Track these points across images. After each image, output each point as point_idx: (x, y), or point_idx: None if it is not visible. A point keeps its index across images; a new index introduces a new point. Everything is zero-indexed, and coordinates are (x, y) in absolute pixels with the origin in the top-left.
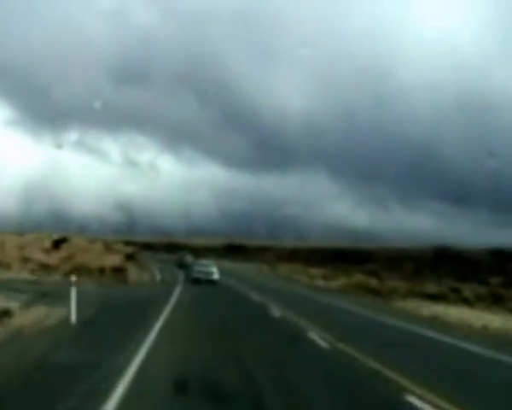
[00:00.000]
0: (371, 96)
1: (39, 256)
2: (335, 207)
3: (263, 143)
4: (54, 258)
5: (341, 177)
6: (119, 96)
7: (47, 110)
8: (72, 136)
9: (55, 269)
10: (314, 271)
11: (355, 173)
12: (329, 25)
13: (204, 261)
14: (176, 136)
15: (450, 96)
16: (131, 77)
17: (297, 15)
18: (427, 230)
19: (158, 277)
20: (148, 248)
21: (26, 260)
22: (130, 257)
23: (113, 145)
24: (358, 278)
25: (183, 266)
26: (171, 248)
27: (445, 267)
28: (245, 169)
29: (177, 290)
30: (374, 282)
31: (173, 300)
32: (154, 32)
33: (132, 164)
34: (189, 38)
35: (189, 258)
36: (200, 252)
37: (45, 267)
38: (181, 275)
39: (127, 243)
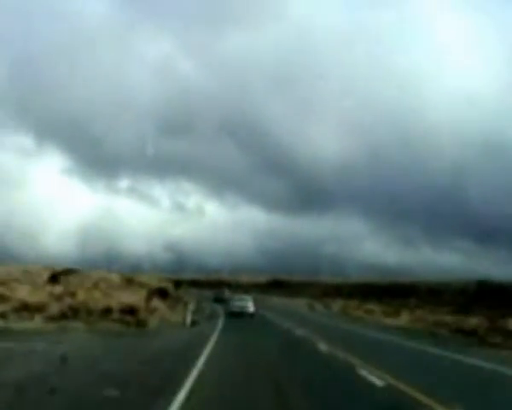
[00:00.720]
0: (401, 141)
1: (22, 293)
2: (368, 246)
3: (300, 187)
4: (42, 295)
5: (373, 217)
6: (166, 146)
7: (100, 159)
8: (124, 183)
9: (40, 310)
10: (370, 306)
11: (386, 213)
12: (361, 75)
13: (240, 296)
14: (219, 181)
15: (476, 142)
16: (177, 127)
17: (331, 67)
18: (453, 266)
19: (189, 319)
20: (195, 286)
21: (2, 298)
22: (162, 293)
23: (161, 191)
24: (419, 314)
25: (220, 300)
26: (218, 284)
27: (488, 300)
28: (283, 211)
29: (212, 341)
30: (448, 318)
31: (201, 366)
32: (197, 83)
33: (180, 208)
34: (230, 88)
35: (226, 293)
36: (245, 288)
37: (24, 308)
38: (220, 313)
39: (174, 281)
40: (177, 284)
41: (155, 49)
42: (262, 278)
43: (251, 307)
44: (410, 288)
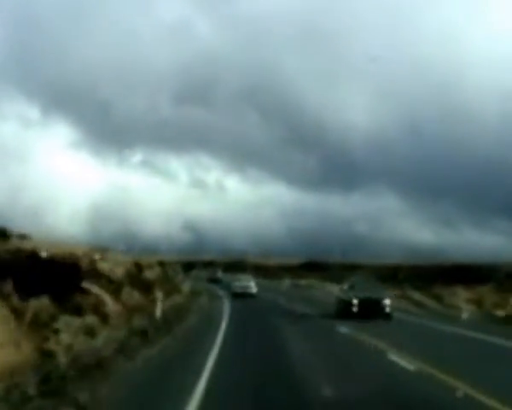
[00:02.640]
0: (439, 110)
1: None
2: (402, 226)
3: (328, 161)
4: None
5: (407, 194)
6: (183, 115)
7: (111, 131)
8: (138, 157)
9: None
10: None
11: (421, 190)
12: (394, 38)
13: (243, 277)
14: (241, 155)
15: None
16: (194, 95)
17: (361, 29)
18: (494, 247)
19: (159, 311)
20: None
21: None
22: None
23: (178, 165)
24: None
25: (214, 280)
26: (240, 266)
27: None
28: (310, 188)
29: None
30: None
31: None
32: (217, 48)
33: (198, 184)
34: (252, 52)
35: (219, 273)
36: (274, 271)
37: None
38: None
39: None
40: (190, 266)
41: (170, 9)
42: (293, 260)
43: (253, 288)
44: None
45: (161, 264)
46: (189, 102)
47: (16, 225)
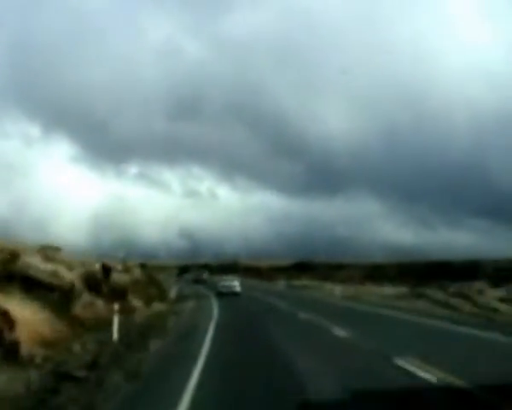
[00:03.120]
0: (413, 118)
1: None
2: (382, 227)
3: (313, 168)
4: None
5: (386, 197)
6: (175, 130)
7: (108, 146)
8: (134, 169)
9: None
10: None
11: (399, 193)
12: (369, 51)
13: (227, 277)
14: (231, 166)
15: (492, 117)
16: (184, 110)
17: (337, 44)
18: (468, 245)
19: (115, 332)
20: (212, 272)
21: None
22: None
23: (172, 177)
24: None
25: (199, 281)
26: (233, 268)
27: None
28: (296, 194)
29: None
30: None
31: None
32: (204, 67)
33: (192, 194)
34: (237, 69)
35: (204, 275)
36: (265, 272)
37: None
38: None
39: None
40: (185, 269)
41: (160, 32)
42: (283, 262)
43: (237, 288)
44: (473, 267)
45: (143, 266)
46: (181, 118)
47: (22, 236)
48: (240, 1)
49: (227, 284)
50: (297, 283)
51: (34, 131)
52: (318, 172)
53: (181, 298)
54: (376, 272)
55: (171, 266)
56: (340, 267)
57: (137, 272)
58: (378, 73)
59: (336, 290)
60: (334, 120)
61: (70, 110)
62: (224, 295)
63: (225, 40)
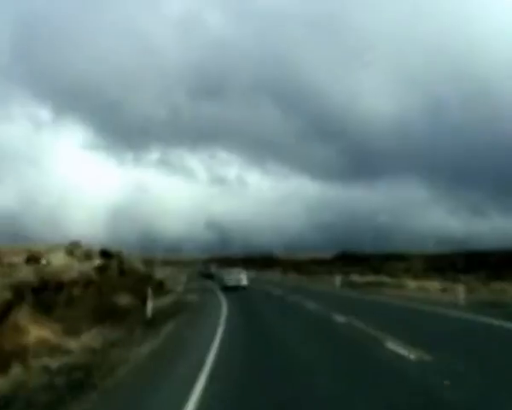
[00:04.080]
0: (464, 97)
1: None
2: (429, 215)
3: (351, 151)
4: None
5: (433, 182)
6: (198, 111)
7: (126, 130)
8: (155, 155)
9: None
10: None
11: (447, 178)
12: (414, 25)
13: (233, 270)
14: (261, 149)
15: None
16: (209, 89)
17: (377, 21)
18: None
19: None
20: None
21: None
22: None
23: (196, 163)
24: None
25: (207, 275)
26: (268, 262)
27: None
28: (334, 180)
29: None
30: None
31: None
32: (230, 40)
33: (218, 181)
34: (265, 41)
35: (212, 268)
36: (305, 266)
37: None
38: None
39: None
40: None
41: (182, 5)
42: (323, 254)
43: (244, 281)
44: None
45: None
46: (204, 97)
47: (34, 228)
48: None
49: (234, 277)
50: (357, 279)
51: (44, 114)
52: (358, 155)
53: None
54: (440, 264)
55: (198, 261)
56: (395, 258)
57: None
58: (424, 50)
59: (460, 294)
60: (375, 97)
61: (83, 91)
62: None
63: (251, 9)
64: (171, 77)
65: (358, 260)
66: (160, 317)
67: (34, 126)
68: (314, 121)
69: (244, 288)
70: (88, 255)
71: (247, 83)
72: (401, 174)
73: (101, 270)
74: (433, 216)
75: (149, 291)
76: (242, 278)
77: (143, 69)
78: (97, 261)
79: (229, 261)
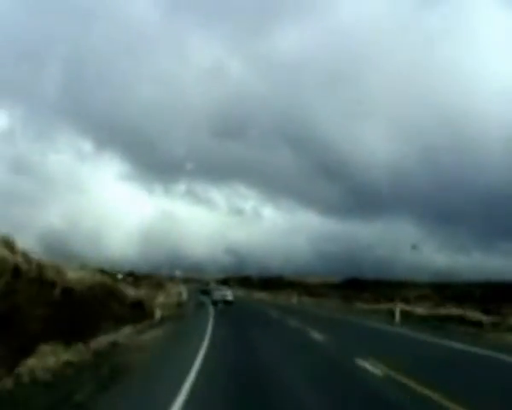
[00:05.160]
0: (454, 143)
1: None
2: (419, 250)
3: (353, 191)
4: None
5: (424, 221)
6: (221, 149)
7: (157, 164)
8: (182, 187)
9: None
10: None
11: (437, 217)
12: (411, 78)
13: (221, 287)
14: (274, 186)
15: None
16: (230, 131)
17: (380, 71)
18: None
19: None
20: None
21: None
22: None
23: (218, 195)
24: None
25: (206, 292)
26: (277, 283)
27: None
28: (337, 215)
29: None
30: None
31: None
32: (251, 90)
33: (236, 212)
34: (281, 90)
35: (211, 285)
36: (314, 289)
37: None
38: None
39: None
40: (225, 282)
41: (208, 55)
42: (329, 279)
43: (230, 296)
44: None
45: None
46: (227, 138)
47: (78, 248)
48: (285, 20)
49: (221, 293)
50: (419, 311)
51: (87, 147)
52: (359, 195)
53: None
54: (449, 292)
55: (217, 280)
56: (400, 286)
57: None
58: (420, 102)
59: None
60: (375, 142)
61: (121, 128)
62: None
63: (272, 64)
64: (197, 119)
65: (366, 285)
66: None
67: (78, 158)
68: (322, 164)
69: (230, 303)
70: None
71: (265, 127)
72: (396, 213)
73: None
74: (422, 252)
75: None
76: (228, 294)
77: (176, 114)
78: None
79: (244, 282)
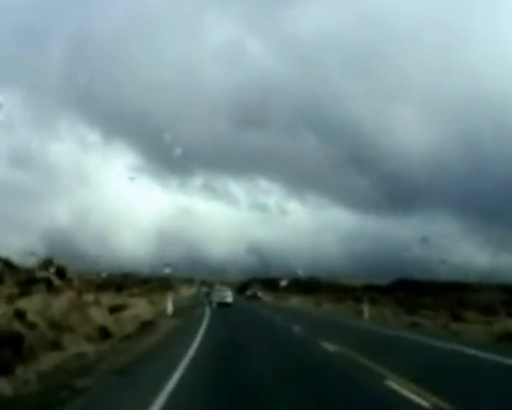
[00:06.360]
0: (500, 132)
1: None
2: (460, 248)
3: (387, 185)
4: None
5: (466, 216)
6: (240, 140)
7: (172, 156)
8: (198, 181)
9: None
10: None
11: (479, 213)
12: (449, 61)
13: (221, 288)
14: (300, 179)
15: None
16: (251, 119)
17: (413, 52)
18: None
19: None
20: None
21: None
22: None
23: (238, 189)
24: None
25: (208, 294)
26: (310, 287)
27: None
28: (369, 211)
29: None
30: None
31: None
32: (271, 72)
33: (259, 208)
34: (306, 74)
35: (217, 287)
36: (360, 293)
37: None
38: None
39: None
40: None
41: (224, 34)
42: (377, 281)
43: (229, 298)
44: None
45: None
46: (247, 127)
47: (85, 247)
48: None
49: (220, 294)
50: None
51: (94, 137)
52: (393, 188)
53: None
54: None
55: (239, 282)
56: (457, 289)
57: None
58: (460, 85)
59: None
60: (411, 131)
61: (131, 117)
62: None
63: (295, 42)
64: (215, 107)
65: (420, 288)
66: None
67: (84, 150)
68: (352, 155)
69: (229, 304)
70: None
71: (288, 115)
72: (434, 208)
73: None
74: (463, 250)
75: None
76: (227, 295)
77: (191, 101)
78: None
79: (270, 284)
